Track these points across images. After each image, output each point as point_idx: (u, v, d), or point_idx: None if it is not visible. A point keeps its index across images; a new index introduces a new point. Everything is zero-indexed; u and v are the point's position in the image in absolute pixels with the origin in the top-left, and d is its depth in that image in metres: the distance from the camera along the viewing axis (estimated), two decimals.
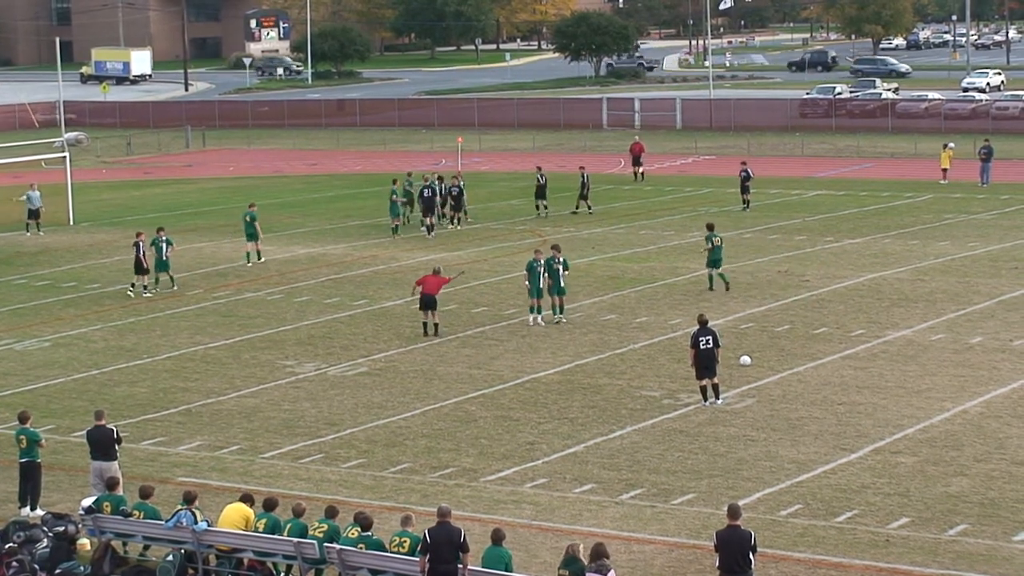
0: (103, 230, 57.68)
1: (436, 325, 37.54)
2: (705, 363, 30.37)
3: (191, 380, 33.87)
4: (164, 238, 44.44)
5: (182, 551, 21.78)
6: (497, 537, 20.16)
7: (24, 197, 57.47)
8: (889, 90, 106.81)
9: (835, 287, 42.53)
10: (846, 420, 29.37)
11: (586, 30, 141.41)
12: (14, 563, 22.13)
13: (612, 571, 19.11)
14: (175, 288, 44.29)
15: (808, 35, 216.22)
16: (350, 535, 20.97)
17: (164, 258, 44.22)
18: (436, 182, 55.91)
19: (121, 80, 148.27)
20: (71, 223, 59.29)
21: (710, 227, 43.31)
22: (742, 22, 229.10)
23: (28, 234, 56.76)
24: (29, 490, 25.10)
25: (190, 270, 47.58)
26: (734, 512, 19.89)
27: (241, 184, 73.43)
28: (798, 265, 46.17)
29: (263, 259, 48.70)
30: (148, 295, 43.66)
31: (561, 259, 38.80)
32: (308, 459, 27.81)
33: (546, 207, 58.49)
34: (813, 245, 49.98)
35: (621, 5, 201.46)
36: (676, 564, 22.36)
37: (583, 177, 59.00)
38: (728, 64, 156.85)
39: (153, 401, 32.13)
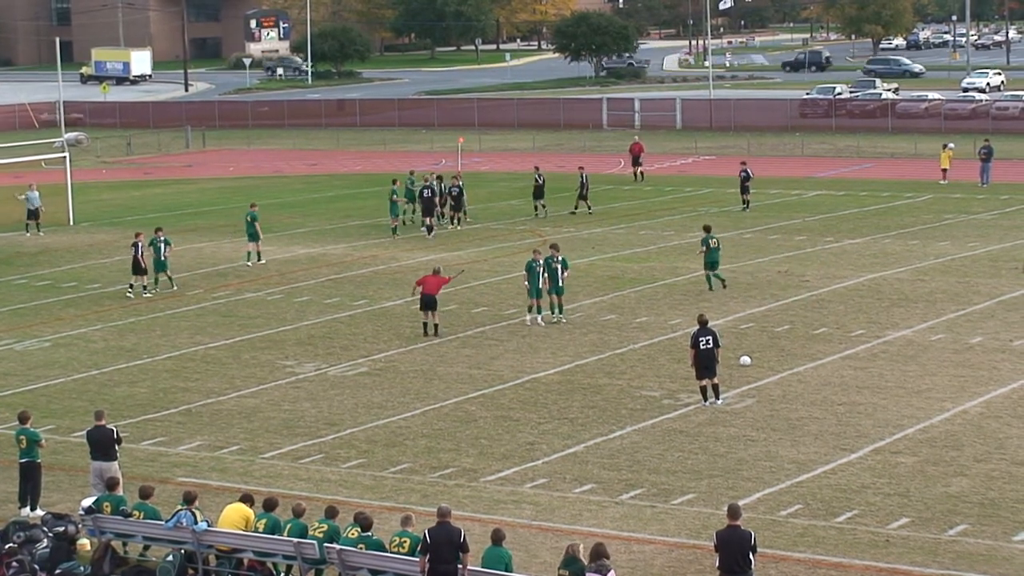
0: (103, 230, 57.68)
1: (436, 325, 37.53)
2: (705, 363, 30.37)
3: (191, 380, 33.87)
4: (162, 238, 44.43)
5: (182, 551, 21.78)
6: (497, 537, 20.16)
7: (23, 197, 57.47)
8: (889, 90, 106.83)
9: (835, 287, 42.53)
10: (846, 420, 29.37)
11: (586, 30, 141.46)
12: (14, 563, 22.12)
13: (612, 571, 19.11)
14: (175, 288, 44.29)
15: (808, 35, 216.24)
16: (350, 535, 20.97)
17: (162, 258, 44.21)
18: (435, 182, 55.92)
19: (121, 80, 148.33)
20: (71, 223, 59.29)
21: (707, 229, 43.33)
22: (742, 22, 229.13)
23: (28, 234, 56.76)
24: (29, 490, 25.10)
25: (190, 270, 47.58)
26: (734, 512, 19.89)
27: (241, 184, 73.44)
28: (798, 265, 46.18)
29: (263, 260, 48.70)
30: (148, 295, 43.67)
31: (560, 258, 38.80)
32: (308, 459, 27.81)
33: (544, 207, 58.49)
34: (813, 245, 49.99)
35: (621, 5, 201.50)
36: (676, 564, 22.36)
37: (582, 177, 59.00)
38: (728, 64, 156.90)
39: (153, 401, 32.13)
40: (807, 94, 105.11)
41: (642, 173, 69.98)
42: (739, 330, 37.15)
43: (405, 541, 20.51)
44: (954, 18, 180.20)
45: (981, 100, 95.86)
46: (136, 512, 22.37)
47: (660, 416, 29.93)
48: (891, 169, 73.59)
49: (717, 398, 30.59)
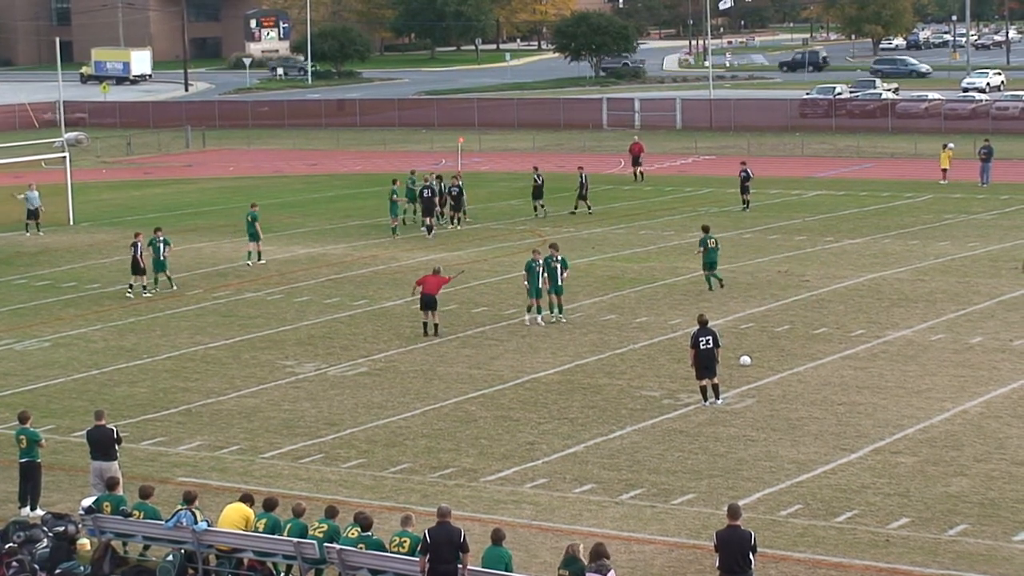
0: (103, 230, 57.67)
1: (436, 325, 37.54)
2: (705, 363, 30.37)
3: (191, 380, 33.87)
4: (161, 238, 44.41)
5: (182, 551, 21.78)
6: (497, 537, 20.17)
7: (22, 196, 57.48)
8: (889, 90, 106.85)
9: (835, 287, 42.53)
10: (846, 420, 29.37)
11: (586, 30, 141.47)
12: (14, 563, 22.13)
13: (612, 571, 19.11)
14: (174, 288, 44.27)
15: (808, 35, 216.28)
16: (350, 535, 20.98)
17: (161, 258, 44.20)
18: (435, 182, 55.92)
19: (121, 80, 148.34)
20: (71, 223, 59.29)
21: (705, 229, 43.37)
22: (742, 22, 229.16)
23: (28, 234, 56.76)
24: (29, 490, 25.10)
25: (190, 270, 47.58)
26: (734, 512, 19.89)
27: (241, 184, 73.44)
28: (798, 265, 46.17)
29: (263, 260, 48.69)
30: (148, 295, 43.67)
31: (559, 258, 38.80)
32: (308, 459, 27.80)
33: (543, 207, 58.47)
34: (813, 245, 49.99)
35: (621, 5, 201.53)
36: (676, 564, 22.36)
37: (581, 177, 58.99)
38: (728, 64, 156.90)
39: (153, 401, 32.13)
40: (807, 94, 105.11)
41: (642, 173, 69.97)
42: (739, 330, 37.15)
43: (405, 541, 20.52)
44: (954, 18, 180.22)
45: (981, 100, 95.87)
46: (136, 512, 22.37)
47: (660, 416, 29.93)
48: (891, 169, 73.59)
49: (717, 398, 30.58)
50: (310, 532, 21.24)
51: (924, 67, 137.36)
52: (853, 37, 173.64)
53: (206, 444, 28.90)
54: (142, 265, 43.70)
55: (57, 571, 21.99)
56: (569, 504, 24.97)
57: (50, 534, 22.36)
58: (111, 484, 23.12)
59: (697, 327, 30.80)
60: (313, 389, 32.79)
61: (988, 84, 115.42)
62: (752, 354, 34.27)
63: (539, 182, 58.58)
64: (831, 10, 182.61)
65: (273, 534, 21.45)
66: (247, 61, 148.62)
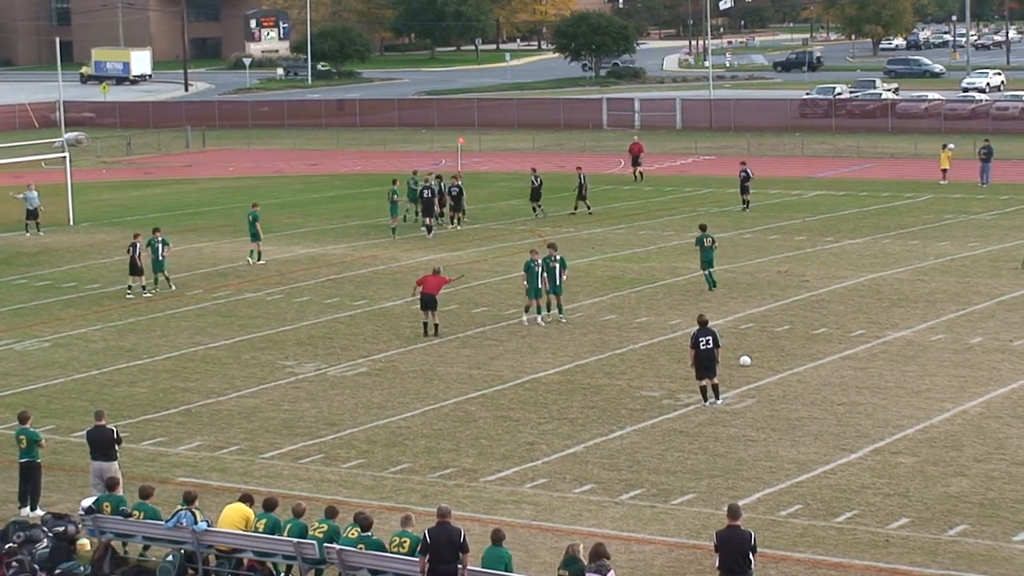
0: (103, 230, 57.67)
1: (436, 325, 37.53)
2: (705, 363, 30.37)
3: (191, 380, 33.87)
4: (160, 239, 44.39)
5: (182, 551, 21.78)
6: (497, 537, 20.17)
7: (21, 196, 57.48)
8: (889, 90, 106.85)
9: (835, 287, 42.53)
10: (846, 420, 29.36)
11: (586, 30, 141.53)
12: (14, 563, 22.13)
13: (612, 571, 19.11)
14: (172, 289, 44.25)
15: (808, 35, 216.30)
16: (350, 535, 20.97)
17: (160, 258, 44.19)
18: (435, 182, 55.92)
19: (121, 80, 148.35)
20: (71, 223, 59.29)
21: (702, 227, 43.43)
22: (742, 22, 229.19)
23: (28, 234, 56.76)
24: (29, 490, 25.10)
25: (190, 270, 47.59)
26: (734, 512, 19.89)
27: (241, 184, 73.45)
28: (798, 265, 46.18)
29: (263, 260, 48.70)
30: (148, 295, 43.66)
31: (558, 257, 38.80)
32: (308, 459, 27.81)
33: (540, 208, 58.42)
34: (813, 245, 49.99)
35: (621, 5, 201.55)
36: (676, 564, 22.36)
37: (580, 178, 58.96)
38: (728, 64, 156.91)
39: (153, 401, 32.13)
40: (807, 94, 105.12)
41: (641, 173, 69.97)
42: (739, 330, 37.15)
43: (405, 541, 20.52)
44: (954, 18, 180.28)
45: (981, 100, 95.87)
46: (136, 512, 22.37)
47: (660, 416, 29.93)
48: (891, 169, 73.59)
49: (717, 398, 30.59)
50: (310, 532, 21.24)
51: (937, 67, 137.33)
52: (853, 37, 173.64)
53: (206, 444, 28.90)
54: (139, 265, 43.70)
55: (57, 571, 21.99)
56: (569, 504, 24.97)
57: (50, 534, 22.36)
58: (111, 484, 23.12)
59: (697, 327, 30.80)
60: (313, 389, 32.79)
61: (988, 84, 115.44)
62: (752, 354, 34.28)
63: (536, 184, 58.56)
64: (831, 10, 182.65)
65: (273, 534, 21.45)
66: (247, 61, 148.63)
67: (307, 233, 55.86)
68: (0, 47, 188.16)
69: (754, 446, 27.80)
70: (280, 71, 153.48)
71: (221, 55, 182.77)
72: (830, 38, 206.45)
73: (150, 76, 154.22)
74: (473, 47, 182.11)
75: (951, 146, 68.79)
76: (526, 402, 31.27)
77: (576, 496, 25.35)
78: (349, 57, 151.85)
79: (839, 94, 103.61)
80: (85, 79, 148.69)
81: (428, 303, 37.45)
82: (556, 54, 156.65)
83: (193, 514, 21.75)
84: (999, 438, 28.03)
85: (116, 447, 24.88)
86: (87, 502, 23.04)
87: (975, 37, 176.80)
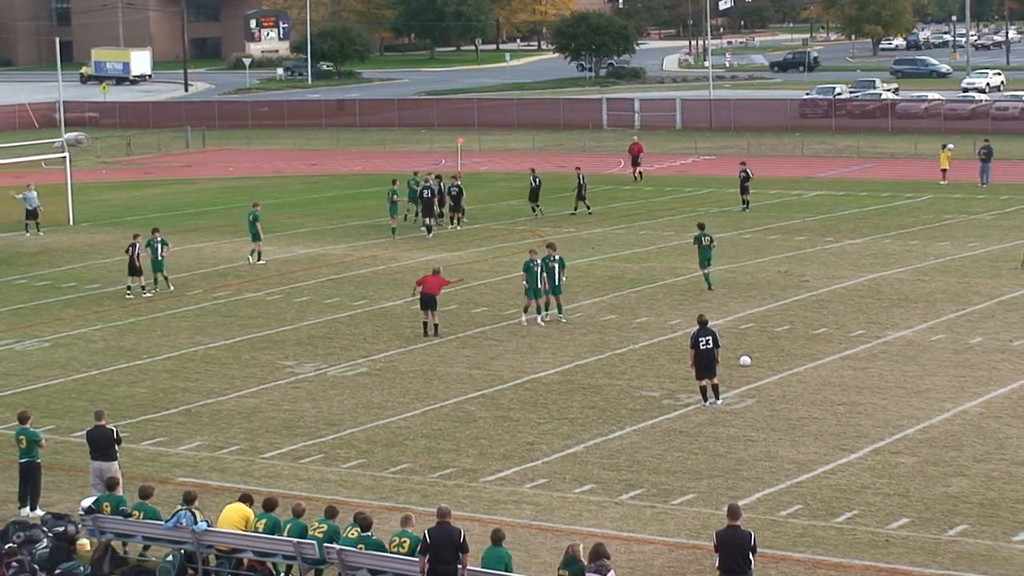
0: (103, 230, 57.67)
1: (436, 325, 37.53)
2: (705, 363, 30.37)
3: (191, 380, 33.87)
4: (159, 239, 44.38)
5: (182, 551, 21.78)
6: (497, 537, 20.16)
7: (20, 196, 57.47)
8: (889, 90, 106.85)
9: (835, 287, 42.53)
10: (846, 420, 29.36)
11: (586, 30, 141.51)
12: (14, 563, 22.12)
13: (612, 571, 19.10)
14: (171, 289, 44.23)
15: (808, 35, 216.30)
16: (350, 535, 20.97)
17: (159, 258, 44.18)
18: (435, 182, 55.93)
19: (121, 80, 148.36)
20: (71, 223, 59.29)
21: (700, 227, 43.46)
22: (742, 22, 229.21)
23: (28, 234, 56.76)
24: (29, 490, 25.10)
25: (190, 270, 47.58)
26: (734, 512, 19.89)
27: (241, 184, 73.45)
28: (798, 265, 46.18)
29: (263, 260, 48.70)
30: (148, 295, 43.66)
31: (557, 257, 38.79)
32: (308, 459, 27.80)
33: (539, 208, 58.39)
34: (813, 245, 49.99)
35: (621, 5, 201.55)
36: (676, 564, 22.36)
37: (579, 178, 58.95)
38: (728, 64, 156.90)
39: (153, 401, 32.13)
40: (807, 94, 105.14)
41: (641, 173, 69.97)
42: (739, 330, 37.15)
43: (405, 541, 20.51)
44: (954, 18, 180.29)
45: (981, 100, 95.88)
46: (136, 512, 22.37)
47: (660, 416, 29.93)
48: (891, 169, 73.59)
49: (717, 398, 30.58)
50: (310, 532, 21.24)
51: (944, 67, 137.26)
52: (853, 37, 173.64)
53: (206, 444, 28.90)
54: (138, 266, 43.69)
55: (57, 571, 21.98)
56: (569, 504, 24.97)
57: (50, 534, 22.36)
58: (111, 484, 23.12)
59: (697, 327, 30.80)
60: (313, 389, 32.79)
61: (988, 84, 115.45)
62: (752, 354, 34.27)
63: (535, 184, 58.55)
64: (831, 10, 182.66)
65: (273, 534, 21.45)
66: (247, 61, 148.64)
67: (307, 233, 55.87)
68: (0, 47, 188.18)
69: (754, 446, 27.80)
70: (280, 71, 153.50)
71: (221, 55, 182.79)
72: (830, 38, 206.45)
73: (150, 76, 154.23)
74: (473, 47, 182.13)
75: (951, 146, 68.80)
76: (526, 402, 31.27)
77: (576, 496, 25.35)
78: (349, 57, 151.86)
79: (839, 94, 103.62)
80: (85, 79, 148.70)
81: (428, 303, 37.45)
82: (556, 54, 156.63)
83: (193, 514, 21.75)
84: (999, 438, 28.03)
85: (116, 447, 24.88)
86: (87, 502, 23.04)
87: (975, 37, 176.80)
